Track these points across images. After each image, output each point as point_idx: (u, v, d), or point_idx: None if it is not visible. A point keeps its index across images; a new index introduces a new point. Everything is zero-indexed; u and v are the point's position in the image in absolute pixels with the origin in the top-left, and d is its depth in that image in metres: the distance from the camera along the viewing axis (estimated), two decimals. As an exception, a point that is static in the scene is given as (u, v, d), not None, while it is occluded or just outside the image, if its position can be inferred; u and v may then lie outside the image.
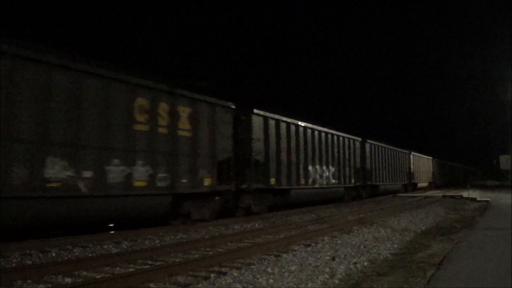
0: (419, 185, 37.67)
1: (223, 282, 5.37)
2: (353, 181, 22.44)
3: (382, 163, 27.01)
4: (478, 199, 22.55)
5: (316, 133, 18.57)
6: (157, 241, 8.86)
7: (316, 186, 18.24)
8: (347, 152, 21.84)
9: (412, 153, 35.73)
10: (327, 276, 5.73)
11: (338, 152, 20.75)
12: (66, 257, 7.10)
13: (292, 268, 6.12)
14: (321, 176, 18.70)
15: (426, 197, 26.14)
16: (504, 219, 11.91)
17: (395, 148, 30.80)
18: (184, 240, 8.91)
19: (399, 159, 31.27)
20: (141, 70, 10.86)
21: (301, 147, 17.07)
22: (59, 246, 7.89)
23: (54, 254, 7.33)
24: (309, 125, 17.91)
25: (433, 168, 44.82)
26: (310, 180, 17.62)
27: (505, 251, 6.72)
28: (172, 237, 9.46)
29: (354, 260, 6.78)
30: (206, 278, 5.59)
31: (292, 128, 16.49)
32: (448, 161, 60.49)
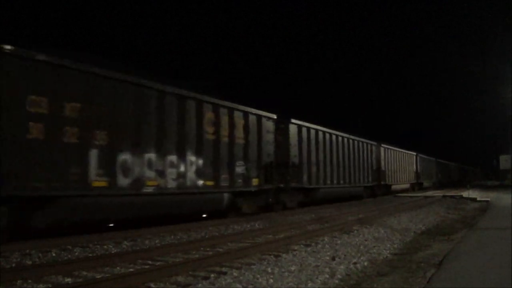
0: (395, 187, 30.21)
1: (223, 282, 5.37)
2: (255, 182, 13.77)
3: (325, 157, 18.91)
4: (478, 199, 22.55)
5: (151, 96, 10.35)
6: (157, 241, 8.85)
7: (147, 190, 10.12)
8: (240, 135, 13.20)
9: (383, 145, 27.59)
10: (327, 276, 5.73)
11: (217, 134, 12.18)
12: (66, 257, 7.10)
13: (292, 268, 6.12)
14: (161, 174, 10.49)
15: (426, 197, 26.17)
16: (504, 219, 11.90)
17: (353, 137, 22.63)
18: (184, 240, 8.92)
19: (360, 152, 23.45)
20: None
21: (100, 117, 9.12)
22: (59, 246, 7.89)
23: (54, 254, 7.33)
24: (131, 78, 9.98)
25: (417, 166, 37.33)
26: (125, 180, 9.58)
27: (505, 251, 6.71)
28: (172, 237, 9.46)
29: (354, 260, 6.78)
30: (206, 278, 5.59)
31: (67, 74, 8.58)
32: (439, 159, 51.72)
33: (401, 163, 31.98)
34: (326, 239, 9.00)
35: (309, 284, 5.34)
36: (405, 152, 33.90)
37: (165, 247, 7.81)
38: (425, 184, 40.90)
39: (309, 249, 7.79)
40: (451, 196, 25.28)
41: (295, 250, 7.66)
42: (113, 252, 7.64)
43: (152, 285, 5.30)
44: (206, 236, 9.53)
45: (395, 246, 8.33)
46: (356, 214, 14.73)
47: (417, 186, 37.56)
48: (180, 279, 5.59)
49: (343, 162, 21.02)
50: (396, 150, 30.80)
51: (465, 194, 25.90)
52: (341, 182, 20.74)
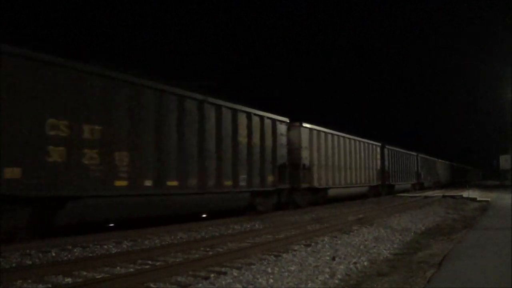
0: (334, 192, 19.55)
1: (223, 282, 5.37)
2: None
3: (137, 135, 9.81)
4: (478, 199, 22.57)
5: None
6: (157, 241, 8.85)
7: None
8: None
9: (305, 125, 17.04)
10: (327, 276, 5.73)
11: None
12: (66, 257, 7.10)
13: (292, 268, 6.12)
14: None
15: (426, 197, 26.20)
16: (504, 219, 11.90)
17: (219, 102, 12.28)
18: (184, 240, 8.91)
19: (242, 132, 13.15)
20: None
21: None
22: (59, 246, 7.89)
23: (54, 254, 7.33)
24: None
25: (384, 162, 27.20)
26: None
27: (505, 251, 6.72)
28: (172, 237, 9.46)
29: (354, 260, 6.78)
30: (206, 278, 5.59)
31: None
32: (421, 154, 39.59)
33: (352, 157, 21.76)
34: (326, 239, 9.00)
35: (309, 284, 5.34)
36: (361, 141, 23.23)
37: (165, 247, 7.81)
38: (399, 186, 30.71)
39: (309, 249, 7.78)
40: (451, 196, 25.27)
41: (295, 250, 7.66)
42: (113, 252, 7.64)
43: (152, 285, 5.29)
44: (206, 236, 9.52)
45: (395, 246, 8.34)
46: (356, 214, 14.72)
47: (384, 189, 27.66)
48: (180, 279, 5.59)
49: (191, 147, 11.26)
50: (337, 135, 20.12)
51: (465, 194, 25.90)
52: (193, 184, 11.25)
